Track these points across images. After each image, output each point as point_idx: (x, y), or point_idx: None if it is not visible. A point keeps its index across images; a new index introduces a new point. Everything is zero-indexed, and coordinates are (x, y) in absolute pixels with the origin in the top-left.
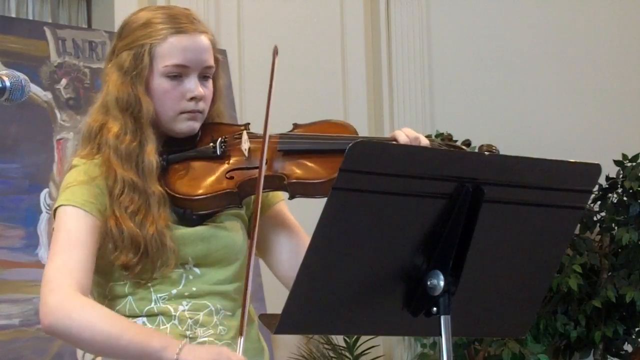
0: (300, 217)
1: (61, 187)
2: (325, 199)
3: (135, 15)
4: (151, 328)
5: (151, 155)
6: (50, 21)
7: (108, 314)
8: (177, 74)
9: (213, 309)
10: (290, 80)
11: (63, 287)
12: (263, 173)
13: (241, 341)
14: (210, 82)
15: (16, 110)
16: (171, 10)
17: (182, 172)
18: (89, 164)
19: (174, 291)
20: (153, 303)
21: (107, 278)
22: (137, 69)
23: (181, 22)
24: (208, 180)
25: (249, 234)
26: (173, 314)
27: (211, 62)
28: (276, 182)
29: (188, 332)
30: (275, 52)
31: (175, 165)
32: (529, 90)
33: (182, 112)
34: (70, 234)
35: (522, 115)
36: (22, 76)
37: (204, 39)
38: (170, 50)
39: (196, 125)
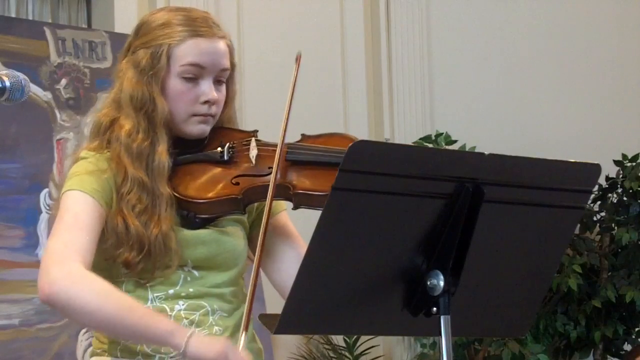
0: (301, 220)
1: (68, 175)
2: None
3: (154, 15)
4: (158, 313)
5: (162, 156)
6: (50, 21)
7: (116, 292)
8: (193, 75)
9: (209, 309)
10: (290, 80)
11: (69, 259)
12: (275, 181)
13: (243, 337)
14: (224, 87)
15: (16, 110)
16: (190, 13)
17: (188, 175)
18: (98, 157)
19: (171, 291)
20: (149, 302)
21: (107, 275)
22: (154, 69)
23: (200, 26)
24: (213, 184)
25: (250, 240)
26: (169, 313)
27: (227, 66)
28: (282, 192)
29: None
30: (298, 59)
31: (182, 167)
32: (529, 90)
33: (194, 115)
34: (77, 216)
35: (522, 115)
36: (22, 76)
37: (221, 44)
38: (187, 52)
39: (207, 129)
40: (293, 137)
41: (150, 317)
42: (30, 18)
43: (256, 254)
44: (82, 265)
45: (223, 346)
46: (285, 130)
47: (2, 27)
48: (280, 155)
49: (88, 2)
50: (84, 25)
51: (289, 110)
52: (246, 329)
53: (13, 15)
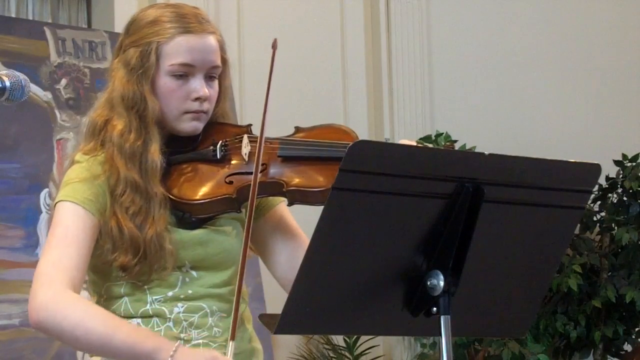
0: (301, 219)
1: (62, 181)
2: None
3: (144, 12)
4: (144, 328)
5: (155, 155)
6: (50, 21)
7: (101, 312)
8: (183, 73)
9: (208, 310)
10: (290, 80)
11: (55, 282)
12: (258, 177)
13: (231, 345)
14: (215, 83)
15: (16, 110)
16: (180, 9)
17: (182, 175)
18: (92, 161)
19: (170, 293)
20: (148, 305)
21: (104, 278)
22: (143, 67)
23: (189, 22)
24: (207, 184)
25: None
26: (168, 316)
27: (218, 62)
28: (275, 189)
29: (182, 335)
30: (275, 45)
31: (175, 167)
32: (529, 91)
33: (186, 112)
34: (67, 230)
35: (522, 115)
36: (22, 76)
37: (211, 40)
38: (176, 49)
39: (200, 126)
40: (288, 131)
41: (136, 336)
42: (30, 18)
43: (240, 261)
44: (69, 284)
45: (208, 358)
46: (264, 124)
47: (2, 27)
48: (261, 148)
49: (88, 2)
50: (84, 25)
51: (267, 99)
52: (233, 337)
53: (13, 15)
